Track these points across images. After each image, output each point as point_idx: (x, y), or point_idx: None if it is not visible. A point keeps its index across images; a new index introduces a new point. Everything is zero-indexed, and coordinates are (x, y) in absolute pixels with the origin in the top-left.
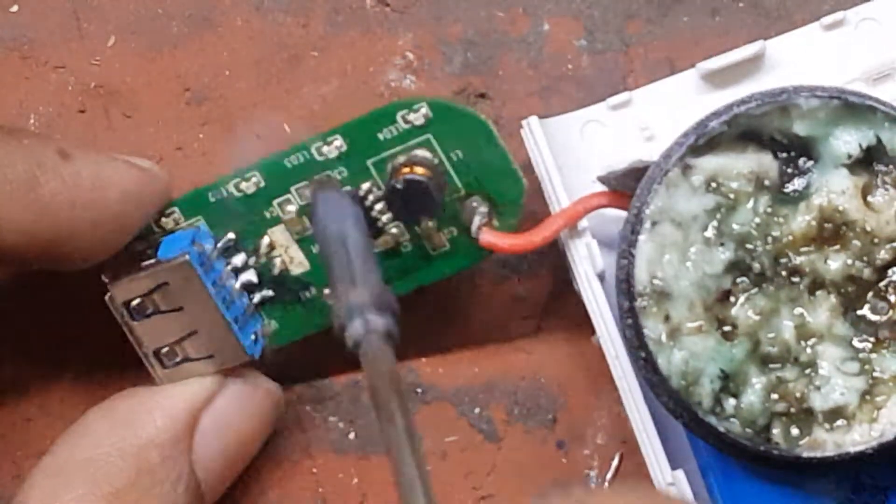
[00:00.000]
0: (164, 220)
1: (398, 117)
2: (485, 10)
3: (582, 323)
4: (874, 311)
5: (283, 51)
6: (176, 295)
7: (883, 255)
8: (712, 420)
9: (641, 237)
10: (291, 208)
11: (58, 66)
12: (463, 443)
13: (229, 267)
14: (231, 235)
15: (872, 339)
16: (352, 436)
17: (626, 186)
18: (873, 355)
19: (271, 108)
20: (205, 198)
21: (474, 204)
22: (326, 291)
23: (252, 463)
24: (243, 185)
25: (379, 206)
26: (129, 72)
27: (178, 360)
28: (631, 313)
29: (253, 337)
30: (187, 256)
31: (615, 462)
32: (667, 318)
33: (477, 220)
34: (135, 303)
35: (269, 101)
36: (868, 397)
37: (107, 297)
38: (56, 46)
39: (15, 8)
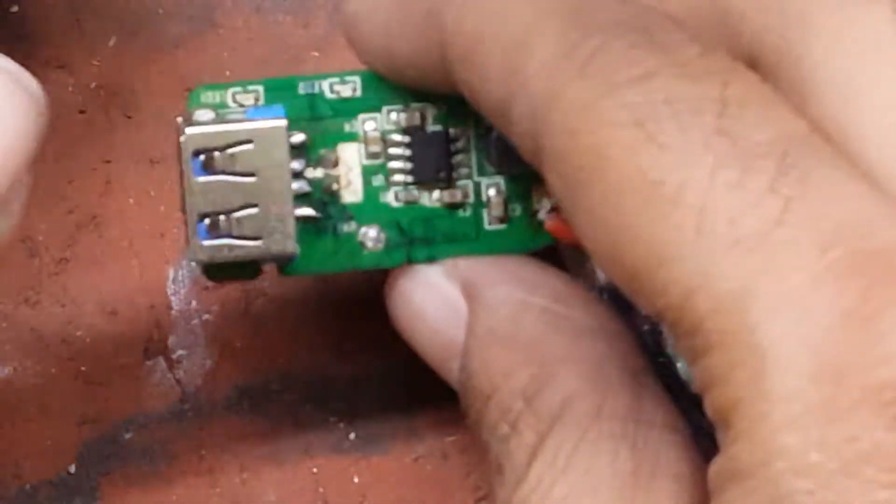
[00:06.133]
0: (242, 96)
1: None
2: None
3: None
4: None
5: (284, 51)
6: (253, 160)
7: None
8: None
9: None
10: (374, 126)
11: (58, 66)
12: (463, 443)
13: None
14: (302, 136)
15: None
16: (352, 436)
17: None
18: None
19: None
20: (294, 87)
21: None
22: (363, 231)
23: (251, 463)
24: (338, 87)
25: (463, 156)
26: (129, 72)
27: (222, 232)
28: (650, 319)
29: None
30: (284, 122)
31: None
32: None
33: (548, 203)
34: (206, 156)
35: None
36: None
37: (181, 139)
38: (56, 46)
39: (15, 8)
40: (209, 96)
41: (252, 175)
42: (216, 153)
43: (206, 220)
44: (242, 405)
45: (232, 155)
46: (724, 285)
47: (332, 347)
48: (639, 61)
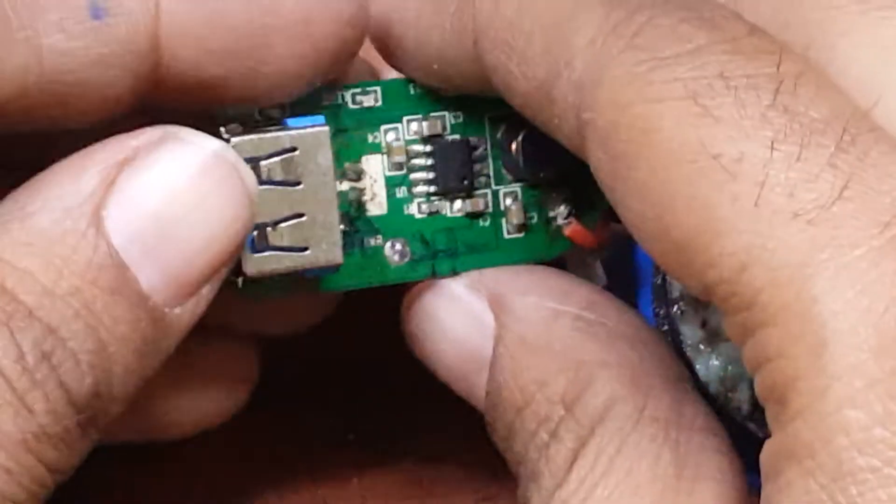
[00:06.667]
0: (271, 109)
1: None
2: None
3: None
4: None
5: None
6: (298, 168)
7: None
8: (752, 426)
9: None
10: (395, 137)
11: None
12: (463, 444)
13: None
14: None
15: None
16: (352, 436)
17: None
18: None
19: None
20: (319, 98)
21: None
22: (389, 245)
23: (251, 463)
24: (360, 98)
25: (480, 165)
26: None
27: (269, 245)
28: (668, 319)
29: None
30: (326, 127)
31: None
32: (704, 324)
33: (564, 210)
34: (252, 165)
35: None
36: None
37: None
38: None
39: None
40: (236, 108)
41: (298, 183)
42: (262, 162)
43: (255, 232)
44: None
45: (277, 163)
46: (782, 258)
47: (332, 346)
48: (688, 36)
